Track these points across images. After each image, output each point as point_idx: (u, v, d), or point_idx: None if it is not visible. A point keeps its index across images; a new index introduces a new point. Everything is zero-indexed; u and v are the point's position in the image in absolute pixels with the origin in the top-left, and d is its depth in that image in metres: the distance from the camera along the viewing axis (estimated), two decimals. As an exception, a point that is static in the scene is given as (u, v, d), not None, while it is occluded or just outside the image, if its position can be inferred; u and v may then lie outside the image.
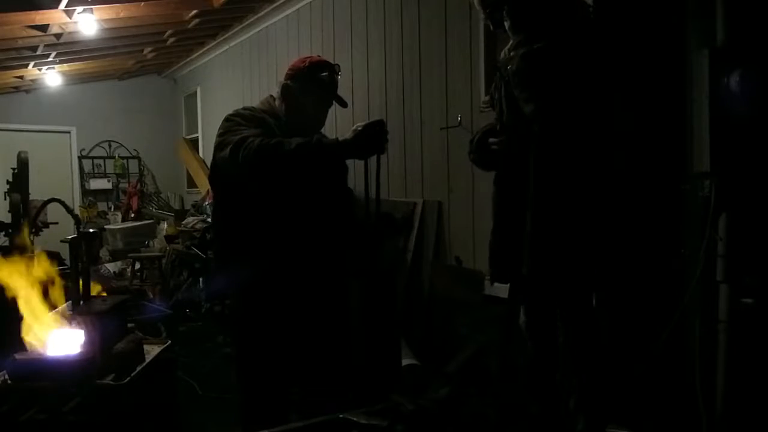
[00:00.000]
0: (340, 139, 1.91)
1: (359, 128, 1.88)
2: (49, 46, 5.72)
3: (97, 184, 8.79)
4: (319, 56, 2.25)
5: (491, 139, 2.18)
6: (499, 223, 2.20)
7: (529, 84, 1.99)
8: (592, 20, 2.15)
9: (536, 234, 2.00)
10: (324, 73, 2.15)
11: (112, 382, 1.99)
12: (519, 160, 2.05)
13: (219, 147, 2.01)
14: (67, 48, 6.00)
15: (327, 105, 2.22)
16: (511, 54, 2.07)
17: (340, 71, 2.21)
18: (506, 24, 2.10)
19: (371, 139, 1.89)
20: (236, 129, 2.01)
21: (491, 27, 2.23)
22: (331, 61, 2.22)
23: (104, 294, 2.39)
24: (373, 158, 2.00)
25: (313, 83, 2.14)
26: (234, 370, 2.23)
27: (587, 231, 1.99)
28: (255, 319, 2.13)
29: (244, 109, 2.17)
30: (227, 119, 2.10)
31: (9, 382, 2.00)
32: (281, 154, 1.86)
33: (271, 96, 2.24)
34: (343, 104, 2.23)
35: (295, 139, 1.89)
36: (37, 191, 4.02)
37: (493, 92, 2.27)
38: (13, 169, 3.74)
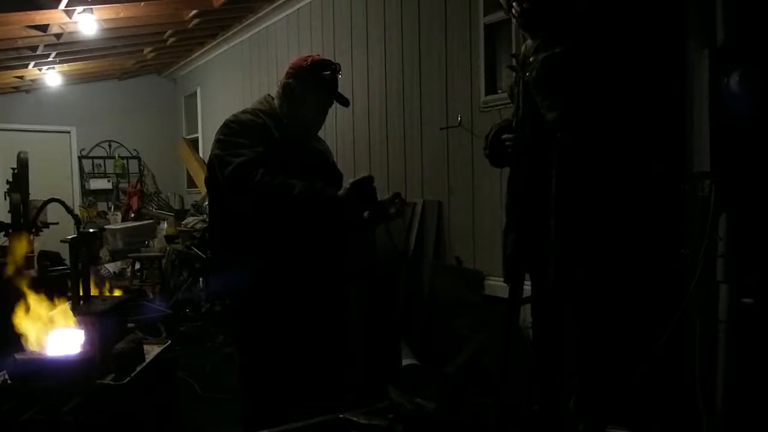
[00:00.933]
0: (339, 193, 1.98)
1: (348, 186, 1.96)
2: (49, 46, 5.72)
3: (97, 184, 8.79)
4: (319, 55, 2.25)
5: (505, 136, 2.17)
6: (512, 222, 2.21)
7: (551, 91, 1.97)
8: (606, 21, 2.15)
9: (562, 242, 1.99)
10: (326, 72, 2.15)
11: (112, 382, 1.99)
12: (537, 162, 2.05)
13: (219, 163, 2.01)
14: (67, 48, 6.00)
15: (328, 104, 2.22)
16: (531, 59, 2.05)
17: (341, 70, 2.21)
18: (522, 22, 2.10)
19: (361, 197, 1.98)
20: (236, 143, 2.00)
21: (513, 19, 2.22)
22: (333, 61, 2.23)
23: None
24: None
25: (314, 82, 2.14)
26: (236, 370, 2.23)
27: (610, 236, 2.00)
28: (256, 320, 2.13)
29: (243, 112, 2.15)
30: (227, 126, 2.09)
31: (9, 382, 2.00)
32: (282, 200, 1.91)
33: (269, 95, 2.23)
34: (345, 103, 2.23)
35: (297, 184, 1.92)
36: (37, 191, 4.01)
37: (513, 86, 2.26)
38: (13, 169, 3.74)
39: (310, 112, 2.18)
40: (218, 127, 2.13)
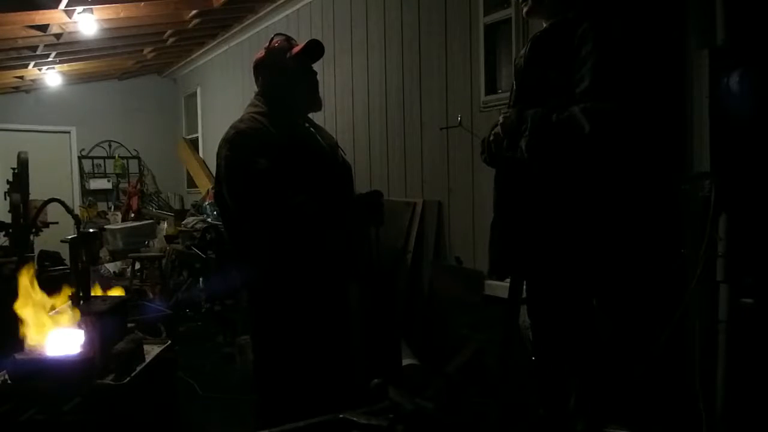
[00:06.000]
0: (347, 212, 2.05)
1: (357, 202, 2.03)
2: (49, 46, 5.72)
3: (97, 184, 8.79)
4: (278, 39, 2.21)
5: (495, 131, 2.18)
6: (498, 218, 2.21)
7: (541, 155, 1.99)
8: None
9: (558, 242, 1.99)
10: (278, 45, 2.15)
11: (112, 382, 1.99)
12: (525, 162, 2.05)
13: (229, 191, 2.02)
14: (67, 48, 6.00)
15: (307, 75, 2.19)
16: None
17: (293, 38, 2.20)
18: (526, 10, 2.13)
19: (369, 214, 2.04)
20: (241, 162, 2.00)
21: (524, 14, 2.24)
22: (283, 33, 2.22)
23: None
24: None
25: (277, 65, 2.14)
26: (255, 369, 2.21)
27: (609, 236, 2.00)
28: (272, 316, 2.11)
29: (241, 121, 2.11)
30: (229, 141, 2.05)
31: (9, 382, 2.00)
32: (291, 226, 1.96)
33: (258, 95, 2.22)
34: (316, 51, 2.17)
35: (305, 211, 1.95)
36: (37, 191, 4.01)
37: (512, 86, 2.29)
38: (13, 169, 3.74)
39: (294, 95, 2.16)
40: (221, 136, 2.10)
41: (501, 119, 2.11)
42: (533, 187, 2.03)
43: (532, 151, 1.96)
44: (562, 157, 1.97)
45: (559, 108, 1.92)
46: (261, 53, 2.21)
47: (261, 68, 2.21)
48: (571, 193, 1.98)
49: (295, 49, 2.15)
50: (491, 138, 2.18)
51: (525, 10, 2.14)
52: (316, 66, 2.23)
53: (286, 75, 2.15)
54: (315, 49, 2.15)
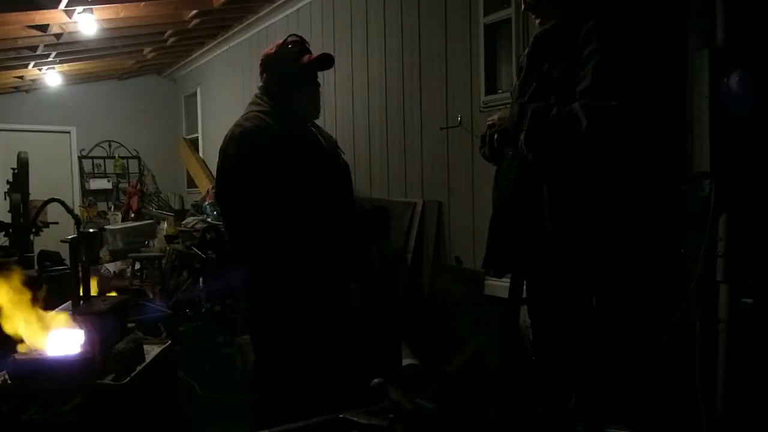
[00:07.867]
0: (353, 225, 2.06)
1: (362, 216, 2.01)
2: (49, 46, 5.72)
3: (97, 184, 8.79)
4: (292, 39, 2.19)
5: (488, 121, 2.19)
6: (496, 215, 2.22)
7: (538, 148, 1.98)
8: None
9: (558, 242, 1.98)
10: (292, 48, 2.13)
11: (112, 382, 1.99)
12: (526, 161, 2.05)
13: (242, 199, 2.01)
14: (67, 48, 6.00)
15: (313, 81, 2.19)
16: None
17: (308, 43, 2.18)
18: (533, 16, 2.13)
19: (375, 226, 2.00)
20: (254, 162, 1.99)
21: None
22: (297, 34, 2.20)
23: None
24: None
25: (287, 64, 2.12)
26: (254, 369, 2.21)
27: (609, 236, 2.00)
28: (272, 317, 2.11)
29: (246, 119, 2.09)
30: (235, 140, 2.05)
31: (9, 382, 2.00)
32: (296, 239, 1.96)
33: (260, 94, 2.20)
34: (326, 63, 2.16)
35: (312, 207, 1.95)
36: (37, 191, 4.02)
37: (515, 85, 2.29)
38: (13, 169, 3.75)
39: (299, 97, 2.15)
40: (223, 135, 2.10)
41: (497, 117, 2.12)
42: (533, 183, 2.03)
43: (530, 144, 1.96)
44: (558, 151, 1.97)
45: (561, 104, 1.93)
46: (272, 48, 2.18)
47: (268, 64, 2.18)
48: (570, 190, 1.98)
49: (308, 58, 2.14)
50: (492, 131, 2.18)
51: (538, 22, 2.14)
52: None
53: (292, 78, 2.14)
54: (326, 63, 2.16)
